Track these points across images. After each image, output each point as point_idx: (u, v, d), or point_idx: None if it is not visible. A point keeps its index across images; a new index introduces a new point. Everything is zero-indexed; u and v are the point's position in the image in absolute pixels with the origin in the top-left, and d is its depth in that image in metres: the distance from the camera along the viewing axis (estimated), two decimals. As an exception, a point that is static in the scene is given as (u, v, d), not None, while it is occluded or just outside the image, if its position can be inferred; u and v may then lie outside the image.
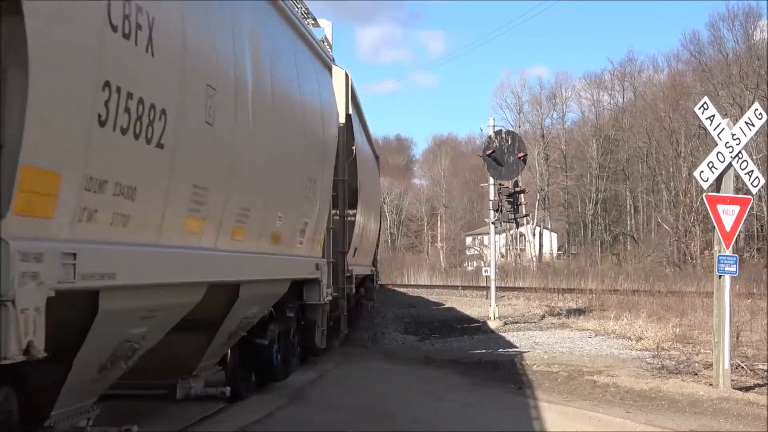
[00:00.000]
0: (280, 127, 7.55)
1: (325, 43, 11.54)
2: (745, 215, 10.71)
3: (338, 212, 13.44)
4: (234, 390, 8.41)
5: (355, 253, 15.45)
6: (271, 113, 7.23)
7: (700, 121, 11.25)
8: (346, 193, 13.87)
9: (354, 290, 15.10)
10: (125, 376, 5.43)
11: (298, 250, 9.05)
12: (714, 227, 10.74)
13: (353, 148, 14.36)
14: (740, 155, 10.66)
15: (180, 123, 4.95)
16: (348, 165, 14.01)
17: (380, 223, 25.62)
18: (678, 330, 16.33)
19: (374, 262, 23.16)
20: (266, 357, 9.14)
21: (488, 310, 21.51)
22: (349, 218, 14.31)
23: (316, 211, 9.62)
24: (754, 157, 36.95)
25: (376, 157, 24.32)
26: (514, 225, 24.48)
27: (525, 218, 36.25)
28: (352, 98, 14.56)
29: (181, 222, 5.28)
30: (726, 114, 33.09)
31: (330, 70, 11.29)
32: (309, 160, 9.15)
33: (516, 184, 21.82)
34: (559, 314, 23.06)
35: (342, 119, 12.99)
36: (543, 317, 22.54)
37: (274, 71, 7.36)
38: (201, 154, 5.49)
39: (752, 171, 10.74)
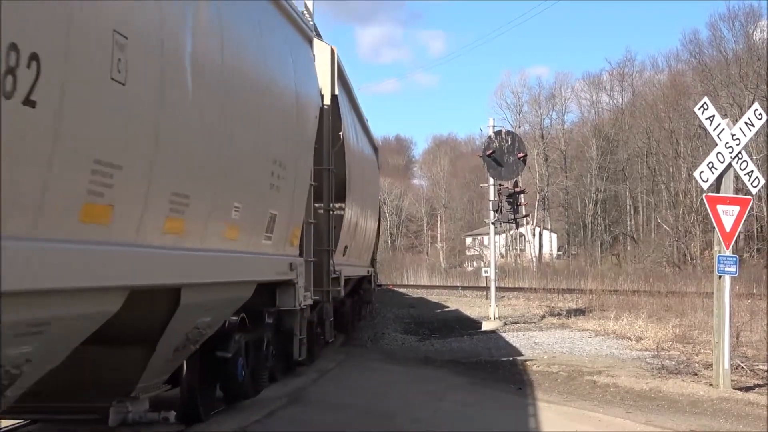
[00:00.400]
0: (233, 98, 6.24)
1: (306, 14, 10.39)
2: (745, 216, 10.71)
3: (323, 205, 12.05)
4: (192, 411, 7.46)
5: (345, 251, 14.05)
6: (220, 81, 5.93)
7: (700, 121, 11.26)
8: (332, 184, 12.33)
9: (342, 293, 13.31)
10: (47, 398, 4.65)
11: (265, 247, 7.70)
12: (714, 228, 10.74)
13: (340, 134, 12.67)
14: (740, 155, 10.66)
15: (67, 76, 3.75)
16: (334, 153, 12.43)
17: (379, 221, 24.07)
18: (678, 330, 16.33)
19: (373, 263, 21.98)
20: (230, 372, 7.92)
21: (488, 310, 21.50)
22: (336, 212, 12.81)
23: (288, 202, 8.27)
24: (754, 158, 36.98)
25: (375, 150, 22.19)
26: (514, 225, 24.49)
27: (525, 219, 36.25)
28: (340, 78, 12.95)
29: (76, 209, 4.03)
30: (726, 114, 33.12)
31: (310, 43, 9.94)
32: (277, 142, 7.72)
33: (516, 185, 21.83)
34: (559, 314, 23.07)
35: (327, 101, 11.74)
36: (543, 317, 22.54)
37: (226, 33, 6.10)
38: (106, 120, 4.20)
39: (752, 171, 10.74)
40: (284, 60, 8.09)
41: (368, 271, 20.12)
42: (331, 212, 12.43)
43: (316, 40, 10.92)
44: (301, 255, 9.51)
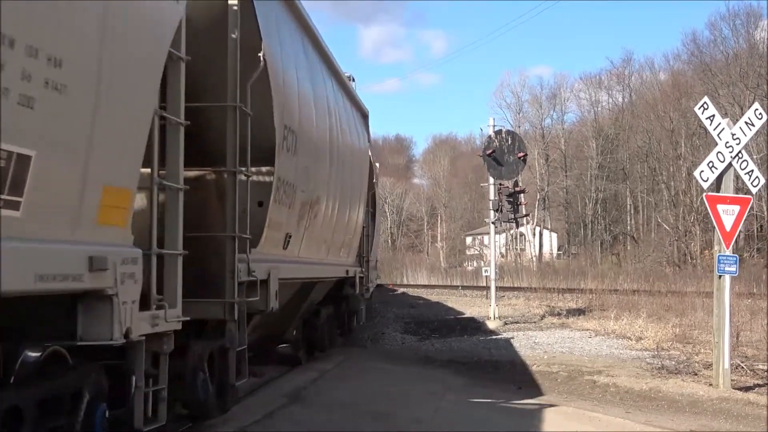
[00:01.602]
0: None
1: None
2: (745, 215, 10.71)
3: (225, 168, 7.43)
4: None
5: (287, 241, 9.31)
6: None
7: (700, 120, 11.26)
8: (245, 132, 7.63)
9: (271, 305, 8.31)
10: None
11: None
12: (714, 227, 10.74)
13: (260, 55, 7.72)
14: (740, 155, 10.66)
15: None
16: (251, 85, 7.69)
17: (375, 212, 19.73)
18: (678, 330, 16.34)
19: (360, 261, 16.63)
20: None
21: (488, 310, 21.51)
22: (257, 178, 8.13)
23: (78, 136, 4.31)
24: (754, 157, 36.96)
25: (364, 116, 15.89)
26: (514, 225, 24.52)
27: (525, 218, 36.29)
28: None
29: None
30: (726, 114, 33.11)
31: None
32: (45, 24, 3.81)
33: (516, 184, 21.85)
34: (559, 314, 23.06)
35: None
36: (543, 317, 22.54)
37: None
38: None
39: (752, 171, 10.74)
40: None
41: (348, 272, 14.70)
42: (243, 177, 7.67)
43: None
44: (149, 246, 5.53)
